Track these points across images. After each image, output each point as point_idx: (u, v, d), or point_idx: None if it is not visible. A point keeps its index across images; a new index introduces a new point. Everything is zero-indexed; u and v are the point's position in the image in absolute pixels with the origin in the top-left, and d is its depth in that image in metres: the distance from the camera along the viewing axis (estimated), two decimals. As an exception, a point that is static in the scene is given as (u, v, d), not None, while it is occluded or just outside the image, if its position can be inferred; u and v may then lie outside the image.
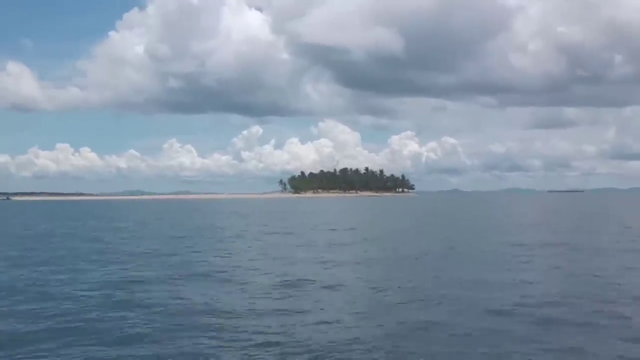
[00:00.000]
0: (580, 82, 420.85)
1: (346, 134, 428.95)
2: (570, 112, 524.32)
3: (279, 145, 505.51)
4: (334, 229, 42.17)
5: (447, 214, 76.51)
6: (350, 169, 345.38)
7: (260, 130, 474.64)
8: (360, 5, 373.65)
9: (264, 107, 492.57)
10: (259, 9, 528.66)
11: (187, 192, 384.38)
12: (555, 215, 68.35)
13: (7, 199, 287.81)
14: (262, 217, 66.61)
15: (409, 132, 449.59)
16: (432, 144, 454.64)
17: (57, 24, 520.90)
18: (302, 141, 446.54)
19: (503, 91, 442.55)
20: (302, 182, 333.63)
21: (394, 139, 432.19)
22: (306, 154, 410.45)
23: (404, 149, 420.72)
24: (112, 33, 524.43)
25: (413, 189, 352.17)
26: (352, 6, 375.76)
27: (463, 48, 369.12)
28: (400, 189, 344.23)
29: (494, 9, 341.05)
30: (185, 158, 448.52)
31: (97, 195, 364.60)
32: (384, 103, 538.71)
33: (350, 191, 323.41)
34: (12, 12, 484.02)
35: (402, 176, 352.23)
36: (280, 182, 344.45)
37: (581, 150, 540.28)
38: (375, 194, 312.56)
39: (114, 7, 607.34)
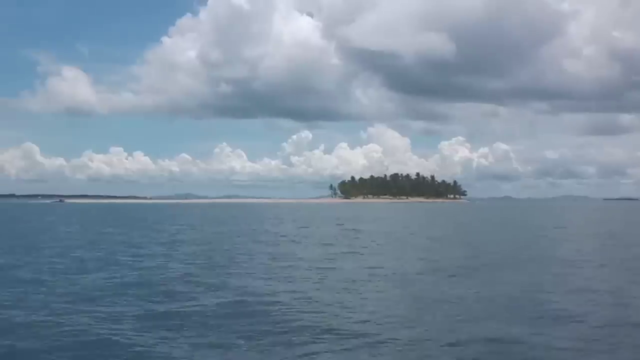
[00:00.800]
0: (635, 88, 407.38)
1: (395, 139, 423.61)
2: (625, 118, 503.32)
3: (328, 150, 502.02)
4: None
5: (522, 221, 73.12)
6: (401, 175, 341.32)
7: (310, 135, 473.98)
8: (410, 10, 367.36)
9: (314, 112, 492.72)
10: (310, 15, 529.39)
11: (237, 196, 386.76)
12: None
13: (60, 201, 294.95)
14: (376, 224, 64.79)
15: (460, 138, 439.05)
16: (484, 150, 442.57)
17: (111, 30, 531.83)
18: (352, 146, 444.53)
19: (556, 97, 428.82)
20: (352, 187, 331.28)
21: (444, 145, 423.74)
22: (355, 159, 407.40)
23: (454, 155, 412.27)
24: (165, 38, 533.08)
25: (465, 195, 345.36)
26: (403, 11, 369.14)
27: (516, 53, 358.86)
28: (452, 195, 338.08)
29: (547, 13, 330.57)
30: (236, 162, 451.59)
31: (150, 198, 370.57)
32: (435, 108, 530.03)
33: (401, 197, 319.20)
34: (68, 17, 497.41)
35: (454, 182, 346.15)
36: (331, 187, 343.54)
37: (636, 157, 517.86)
38: (426, 199, 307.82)
39: (167, 13, 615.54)
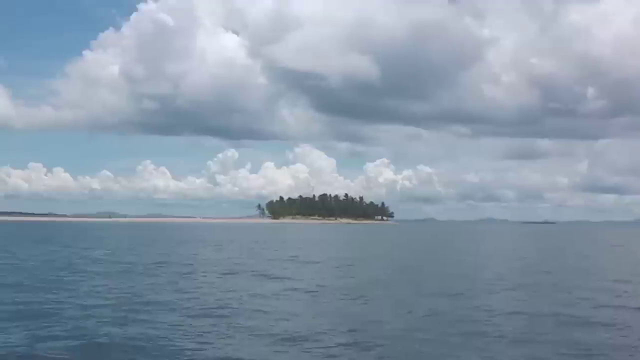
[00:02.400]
0: (553, 115, 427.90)
1: (322, 159, 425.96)
2: (543, 144, 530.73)
3: (254, 170, 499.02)
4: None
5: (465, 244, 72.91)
6: (330, 195, 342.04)
7: (236, 154, 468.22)
8: (336, 32, 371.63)
9: (240, 130, 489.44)
10: (236, 32, 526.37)
11: (160, 215, 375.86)
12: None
13: None
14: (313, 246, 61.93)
15: (384, 160, 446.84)
16: (408, 172, 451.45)
17: (31, 42, 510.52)
18: (278, 166, 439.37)
19: (476, 121, 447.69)
20: (280, 208, 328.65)
21: (370, 166, 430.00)
22: (282, 178, 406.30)
23: (379, 176, 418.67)
24: (86, 52, 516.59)
25: (392, 216, 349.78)
26: (328, 32, 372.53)
27: (438, 77, 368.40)
28: (380, 217, 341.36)
29: (468, 39, 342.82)
30: (160, 180, 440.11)
31: (70, 216, 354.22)
32: (360, 130, 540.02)
33: (330, 218, 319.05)
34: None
35: (382, 203, 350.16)
36: (259, 206, 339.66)
37: (554, 182, 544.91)
38: (355, 221, 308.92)
39: (90, 27, 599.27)
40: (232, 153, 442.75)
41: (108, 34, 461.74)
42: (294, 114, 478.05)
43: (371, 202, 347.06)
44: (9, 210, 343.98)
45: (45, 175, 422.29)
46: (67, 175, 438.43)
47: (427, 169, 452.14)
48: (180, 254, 43.57)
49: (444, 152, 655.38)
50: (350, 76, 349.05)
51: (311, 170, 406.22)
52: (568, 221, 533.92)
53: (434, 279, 27.93)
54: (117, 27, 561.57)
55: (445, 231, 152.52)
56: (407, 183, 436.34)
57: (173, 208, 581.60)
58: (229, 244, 61.98)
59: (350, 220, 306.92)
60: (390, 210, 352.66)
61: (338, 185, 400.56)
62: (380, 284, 24.93)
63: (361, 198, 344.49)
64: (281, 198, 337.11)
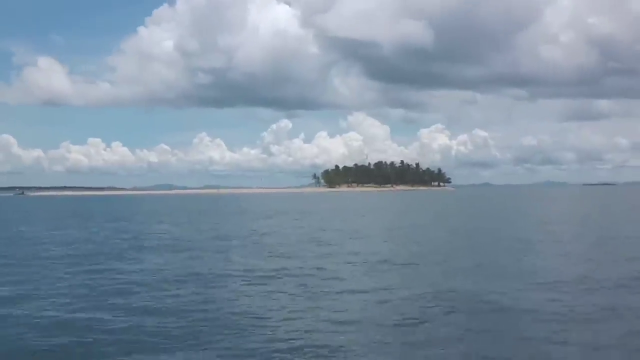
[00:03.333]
0: (612, 74, 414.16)
1: (375, 127, 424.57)
2: (602, 104, 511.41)
3: (308, 139, 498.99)
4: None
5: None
6: (385, 163, 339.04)
7: (290, 124, 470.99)
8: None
9: (293, 101, 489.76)
10: (288, 3, 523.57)
11: (217, 186, 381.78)
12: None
13: (22, 193, 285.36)
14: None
15: (439, 125, 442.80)
16: (463, 137, 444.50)
17: (87, 20, 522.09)
18: (331, 135, 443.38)
19: (534, 83, 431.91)
20: (336, 176, 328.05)
21: (424, 132, 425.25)
22: (335, 147, 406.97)
23: (433, 143, 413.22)
24: (141, 28, 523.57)
25: (450, 182, 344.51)
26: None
27: (492, 40, 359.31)
28: (437, 183, 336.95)
29: (523, 0, 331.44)
30: (215, 152, 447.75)
31: (129, 189, 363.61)
32: (413, 96, 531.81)
33: (385, 185, 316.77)
34: (42, 7, 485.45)
35: (439, 170, 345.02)
36: (314, 175, 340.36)
37: (614, 143, 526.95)
38: (411, 187, 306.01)
39: (144, 3, 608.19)
40: (285, 123, 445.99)
41: (162, 10, 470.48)
42: (346, 83, 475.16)
43: (427, 169, 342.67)
44: (70, 185, 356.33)
45: (104, 150, 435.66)
46: (125, 150, 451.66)
47: (483, 134, 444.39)
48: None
49: (500, 116, 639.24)
50: (403, 42, 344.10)
51: (365, 138, 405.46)
52: (628, 182, 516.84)
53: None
54: (171, 3, 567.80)
55: (504, 195, 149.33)
56: (462, 148, 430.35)
57: (229, 179, 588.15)
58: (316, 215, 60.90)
59: (406, 187, 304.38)
60: (447, 176, 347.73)
61: (392, 153, 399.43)
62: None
63: (417, 164, 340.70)
64: (336, 167, 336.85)
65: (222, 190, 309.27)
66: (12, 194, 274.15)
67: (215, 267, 21.01)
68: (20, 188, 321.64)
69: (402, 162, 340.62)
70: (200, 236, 34.50)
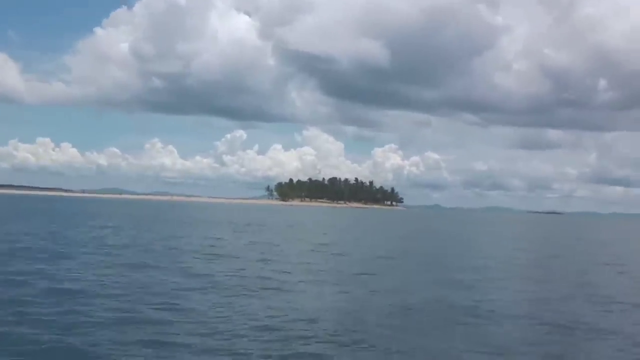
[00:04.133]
0: (564, 105, 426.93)
1: (329, 143, 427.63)
2: (553, 134, 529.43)
3: (262, 151, 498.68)
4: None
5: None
6: (339, 179, 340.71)
7: (244, 135, 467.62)
8: (348, 16, 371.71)
9: (248, 111, 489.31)
10: (247, 14, 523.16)
11: (166, 193, 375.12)
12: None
13: None
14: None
15: (392, 145, 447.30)
16: (415, 159, 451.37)
17: (44, 17, 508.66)
18: (286, 148, 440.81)
19: (487, 110, 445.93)
20: (289, 190, 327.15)
21: (377, 151, 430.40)
22: (289, 161, 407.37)
23: (386, 162, 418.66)
24: (97, 29, 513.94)
25: (402, 202, 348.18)
26: (340, 16, 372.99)
27: (449, 64, 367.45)
28: (389, 202, 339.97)
29: (480, 26, 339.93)
30: (167, 159, 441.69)
31: (76, 191, 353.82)
32: (369, 114, 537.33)
33: (339, 201, 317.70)
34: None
35: (392, 189, 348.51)
36: (267, 188, 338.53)
37: (562, 172, 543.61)
38: (364, 205, 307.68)
39: (102, 4, 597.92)
40: (240, 134, 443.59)
41: (120, 12, 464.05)
42: (303, 97, 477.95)
43: (381, 187, 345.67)
44: (16, 184, 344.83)
45: (53, 150, 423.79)
46: (74, 151, 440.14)
47: (435, 156, 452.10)
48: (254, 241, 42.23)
49: (453, 140, 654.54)
50: (361, 60, 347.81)
51: (319, 153, 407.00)
52: (575, 212, 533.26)
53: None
54: (129, 6, 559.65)
55: (452, 219, 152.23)
56: (414, 169, 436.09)
57: (179, 187, 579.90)
58: (271, 229, 60.27)
59: (360, 205, 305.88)
60: (400, 196, 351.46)
61: (345, 170, 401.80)
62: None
63: (371, 183, 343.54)
64: (290, 180, 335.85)
65: (175, 198, 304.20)
66: None
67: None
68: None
69: (356, 179, 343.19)
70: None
